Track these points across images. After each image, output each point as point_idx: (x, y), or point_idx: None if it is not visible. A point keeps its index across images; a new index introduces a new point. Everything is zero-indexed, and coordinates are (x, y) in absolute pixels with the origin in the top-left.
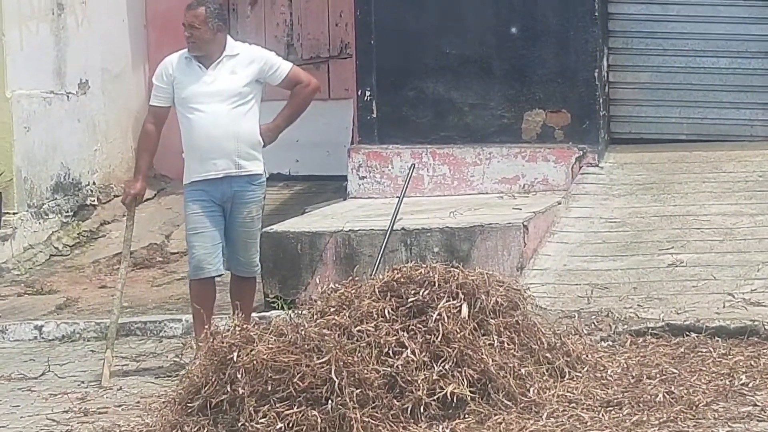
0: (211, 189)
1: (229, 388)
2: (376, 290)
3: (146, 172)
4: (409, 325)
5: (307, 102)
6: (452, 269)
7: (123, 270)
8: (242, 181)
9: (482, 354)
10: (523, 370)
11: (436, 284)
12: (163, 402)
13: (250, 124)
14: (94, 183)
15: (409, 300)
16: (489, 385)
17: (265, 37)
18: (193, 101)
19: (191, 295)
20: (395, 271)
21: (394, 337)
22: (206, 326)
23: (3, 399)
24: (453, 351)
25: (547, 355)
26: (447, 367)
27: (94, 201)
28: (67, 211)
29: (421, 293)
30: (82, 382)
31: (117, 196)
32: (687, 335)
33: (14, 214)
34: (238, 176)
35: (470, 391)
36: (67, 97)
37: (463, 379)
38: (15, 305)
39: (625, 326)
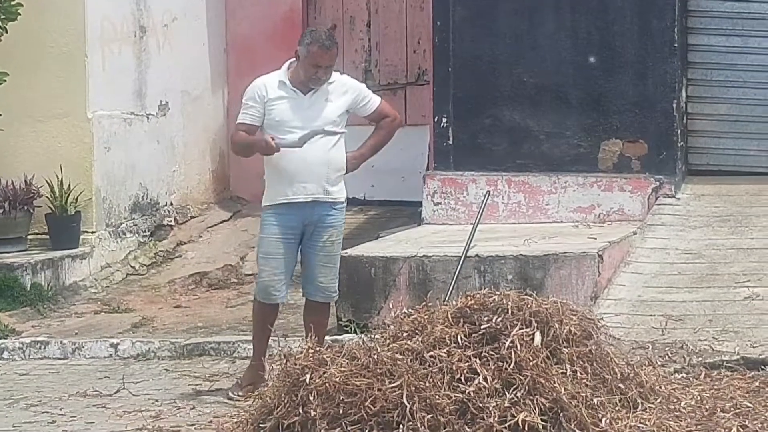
0: (296, 212)
1: (301, 410)
2: (449, 316)
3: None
4: (481, 352)
5: (392, 135)
6: (526, 297)
7: None
8: (326, 206)
9: (554, 383)
10: (595, 400)
11: (510, 312)
12: (236, 422)
13: (339, 151)
14: (171, 204)
15: (482, 327)
16: (561, 414)
17: (343, 62)
18: (289, 125)
19: (255, 313)
20: (468, 298)
21: (467, 364)
22: (264, 346)
23: (78, 415)
24: (525, 379)
25: (620, 385)
26: (519, 394)
27: (171, 221)
28: (145, 231)
29: (494, 320)
30: (156, 401)
31: (194, 217)
32: (762, 369)
33: (92, 232)
34: (324, 201)
35: (542, 420)
36: (147, 118)
37: (534, 408)
38: (91, 323)
39: (700, 358)
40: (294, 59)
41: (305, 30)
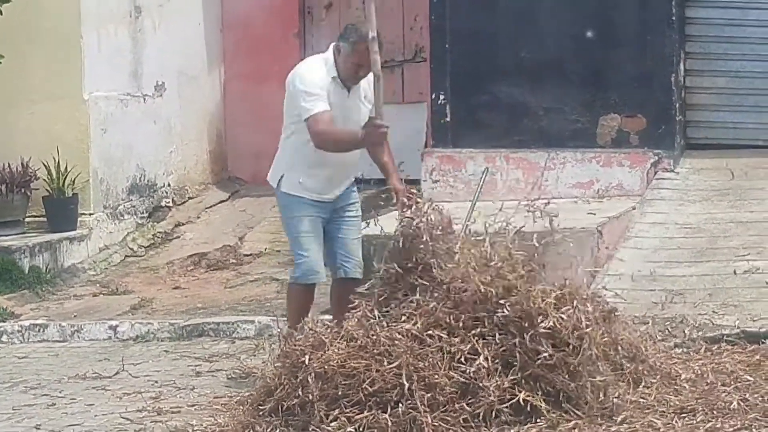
0: (324, 205)
1: (300, 392)
2: None
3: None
4: (482, 333)
5: None
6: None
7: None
8: (347, 191)
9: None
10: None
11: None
12: (236, 402)
13: None
14: (169, 185)
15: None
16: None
17: None
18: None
19: (295, 299)
20: None
21: (469, 345)
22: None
23: (78, 397)
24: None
25: (623, 362)
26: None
27: (168, 202)
28: (143, 213)
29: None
30: (156, 382)
31: (192, 198)
32: (762, 342)
33: (90, 215)
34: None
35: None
36: (144, 99)
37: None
38: (90, 305)
39: (700, 333)
40: (334, 47)
41: (347, 25)
